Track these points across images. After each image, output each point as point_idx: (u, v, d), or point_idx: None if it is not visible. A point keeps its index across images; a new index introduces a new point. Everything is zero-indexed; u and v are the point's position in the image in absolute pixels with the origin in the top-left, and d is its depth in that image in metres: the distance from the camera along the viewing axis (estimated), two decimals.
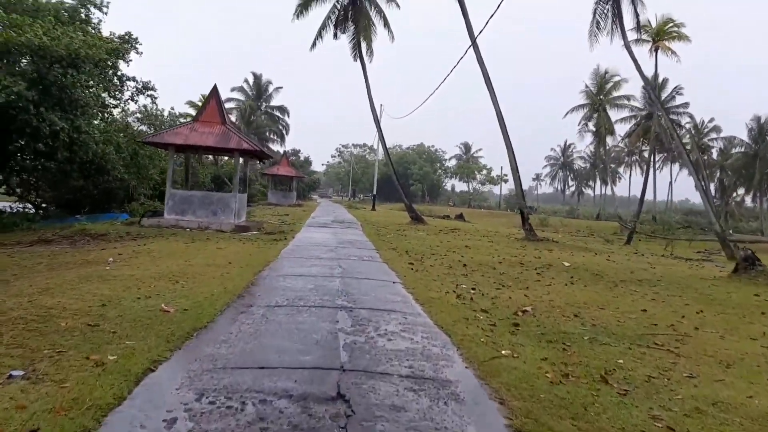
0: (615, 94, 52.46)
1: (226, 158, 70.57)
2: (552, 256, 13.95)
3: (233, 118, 74.24)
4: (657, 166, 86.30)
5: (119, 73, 24.97)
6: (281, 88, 78.26)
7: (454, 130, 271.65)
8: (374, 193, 47.42)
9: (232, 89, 76.35)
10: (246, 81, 77.03)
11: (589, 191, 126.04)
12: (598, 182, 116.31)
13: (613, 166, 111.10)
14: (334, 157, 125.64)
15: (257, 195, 50.61)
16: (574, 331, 6.58)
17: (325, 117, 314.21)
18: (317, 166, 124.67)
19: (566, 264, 12.33)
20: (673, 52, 27.81)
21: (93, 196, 25.26)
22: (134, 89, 25.23)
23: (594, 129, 52.29)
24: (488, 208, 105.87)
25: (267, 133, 76.94)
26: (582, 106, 52.93)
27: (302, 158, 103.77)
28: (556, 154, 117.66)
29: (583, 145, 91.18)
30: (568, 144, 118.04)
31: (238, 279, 8.49)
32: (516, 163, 19.43)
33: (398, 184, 28.28)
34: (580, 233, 39.53)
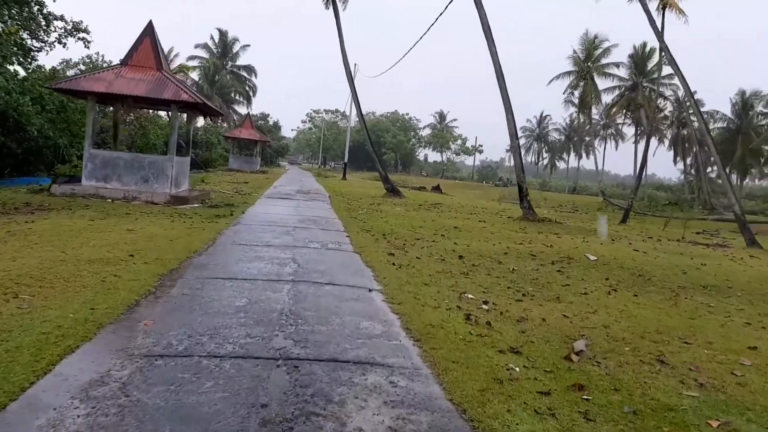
0: (604, 61, 49.80)
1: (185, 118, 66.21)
2: (565, 244, 11.23)
3: (195, 76, 69.21)
4: (636, 139, 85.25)
5: (45, 11, 20.99)
6: (248, 46, 73.55)
7: (429, 98, 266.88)
8: (345, 161, 44.14)
9: (196, 46, 71.21)
10: (211, 37, 71.85)
11: (561, 164, 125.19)
12: (572, 155, 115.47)
13: (588, 138, 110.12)
14: (305, 122, 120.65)
15: (218, 160, 46.72)
16: (681, 405, 3.78)
17: (296, 82, 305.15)
18: (287, 132, 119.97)
19: (591, 257, 9.59)
20: (682, 12, 25.20)
21: (15, 156, 21.45)
22: (62, 30, 21.28)
23: (579, 98, 49.63)
24: (461, 179, 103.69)
25: (232, 94, 72.28)
26: (568, 73, 50.18)
27: (271, 123, 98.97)
28: (531, 126, 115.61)
29: (566, 114, 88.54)
30: (544, 115, 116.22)
31: (125, 290, 5.39)
32: (516, 129, 16.56)
33: (373, 151, 25.19)
34: (564, 209, 37.28)
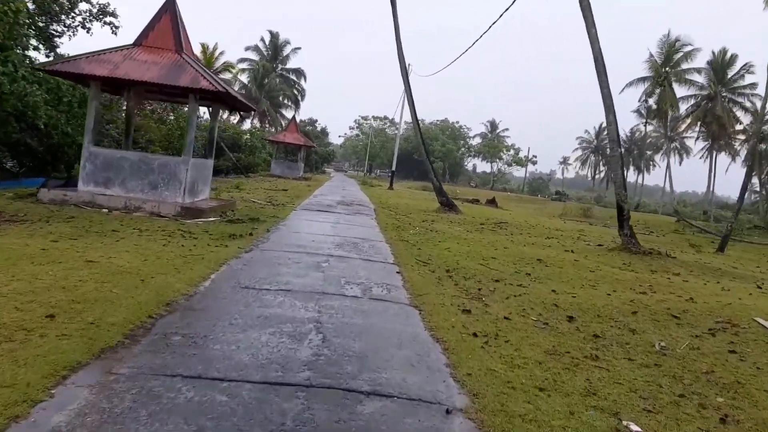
0: (684, 66, 45.09)
1: (232, 119, 64.84)
2: (703, 293, 7.92)
3: (245, 79, 68.27)
4: (702, 155, 79.01)
5: None
6: (299, 49, 71.93)
7: (480, 107, 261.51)
8: (393, 169, 41.28)
9: (246, 48, 70.30)
10: (262, 39, 70.89)
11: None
12: (631, 169, 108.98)
13: (649, 152, 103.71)
14: (353, 129, 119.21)
15: (261, 165, 44.79)
16: None
17: (347, 88, 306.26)
18: (335, 139, 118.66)
19: (764, 323, 6.31)
20: None
21: (35, 154, 19.66)
22: (87, 13, 19.31)
23: (654, 105, 44.95)
24: (510, 190, 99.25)
25: (280, 98, 70.86)
26: (643, 79, 45.65)
27: (318, 128, 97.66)
28: (589, 137, 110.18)
29: (634, 124, 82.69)
30: (602, 126, 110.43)
31: None
32: (618, 134, 13.23)
33: (427, 159, 22.16)
34: (636, 230, 33.17)
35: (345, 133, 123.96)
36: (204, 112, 37.91)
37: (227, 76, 39.56)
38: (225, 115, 39.93)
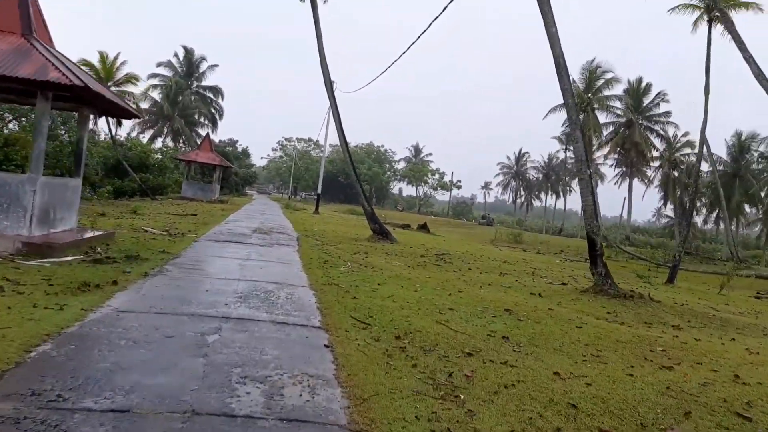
0: (606, 93, 45.93)
1: (140, 135, 59.44)
2: (744, 364, 5.92)
3: (156, 96, 63.43)
4: (617, 181, 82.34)
5: None
6: (216, 66, 67.80)
7: (402, 131, 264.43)
8: (318, 192, 38.46)
9: (158, 64, 65.28)
10: (175, 55, 66.33)
11: (537, 202, 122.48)
12: (549, 194, 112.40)
13: (566, 178, 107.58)
14: (276, 150, 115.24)
15: (172, 186, 40.58)
16: None
17: (268, 108, 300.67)
18: (257, 160, 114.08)
19: None
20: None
21: None
22: None
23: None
24: (435, 214, 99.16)
25: (196, 116, 66.41)
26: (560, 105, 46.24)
27: (240, 149, 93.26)
28: (510, 162, 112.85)
29: (553, 150, 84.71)
30: (522, 152, 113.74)
31: None
32: (586, 154, 11.46)
33: (357, 180, 19.67)
34: (566, 255, 32.37)
35: (268, 155, 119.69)
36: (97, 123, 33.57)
37: (131, 89, 35.63)
38: (97, 122, 35.63)
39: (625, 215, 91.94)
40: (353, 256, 13.20)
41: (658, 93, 53.15)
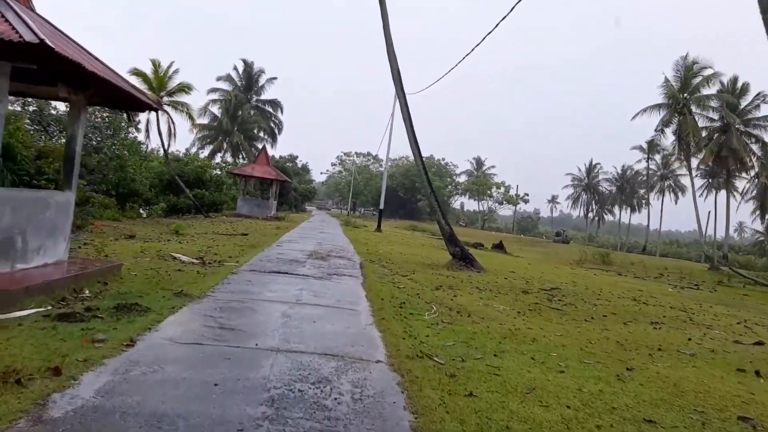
0: (704, 91, 40.44)
1: (199, 152, 58.44)
2: None
3: (216, 110, 62.86)
4: (700, 192, 75.03)
5: None
6: (275, 79, 66.64)
7: (464, 144, 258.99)
8: (381, 207, 35.29)
9: (218, 78, 64.81)
10: (235, 68, 65.70)
11: (608, 217, 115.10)
12: (620, 208, 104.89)
13: (642, 191, 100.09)
14: (335, 165, 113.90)
15: (229, 203, 38.72)
16: None
17: (329, 124, 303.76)
18: (317, 176, 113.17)
19: None
20: None
21: None
22: None
23: (673, 135, 39.95)
24: (498, 229, 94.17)
25: (255, 131, 65.32)
26: (658, 106, 40.95)
27: (299, 165, 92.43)
28: (580, 175, 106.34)
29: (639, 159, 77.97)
30: (593, 164, 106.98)
31: None
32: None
33: (431, 193, 16.26)
34: (670, 279, 27.57)
35: (327, 170, 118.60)
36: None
37: (185, 98, 34.12)
38: (149, 135, 34.01)
39: (710, 231, 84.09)
40: (436, 294, 9.84)
41: (758, 94, 46.87)
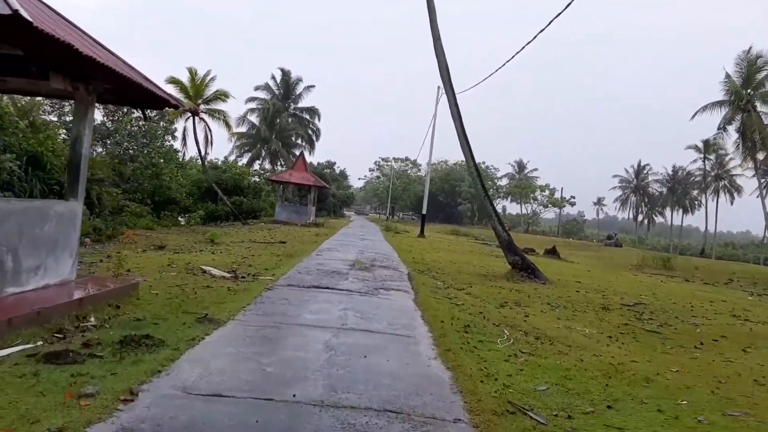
0: None
1: (238, 159, 58.15)
2: None
3: (254, 119, 62.85)
4: (758, 194, 70.70)
5: None
6: (313, 87, 66.23)
7: (504, 147, 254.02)
8: (424, 212, 33.78)
9: (256, 88, 64.83)
10: (273, 78, 65.64)
11: (659, 219, 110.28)
12: (671, 210, 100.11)
13: (695, 192, 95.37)
14: (373, 170, 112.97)
15: (267, 209, 38.04)
16: None
17: (365, 131, 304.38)
18: (354, 181, 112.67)
19: None
20: None
21: None
22: None
23: (738, 134, 36.94)
24: (543, 233, 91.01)
25: (293, 138, 64.97)
26: (720, 103, 38.01)
27: (338, 171, 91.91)
28: (628, 176, 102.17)
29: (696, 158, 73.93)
30: (642, 164, 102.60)
31: None
32: None
33: (486, 196, 14.70)
34: (744, 286, 25.08)
35: (365, 175, 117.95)
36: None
37: (221, 105, 33.61)
38: (186, 143, 33.30)
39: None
40: (502, 312, 8.38)
41: None
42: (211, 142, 35.01)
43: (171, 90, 31.98)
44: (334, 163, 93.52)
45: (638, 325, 8.15)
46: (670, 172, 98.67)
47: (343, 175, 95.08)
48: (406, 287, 10.46)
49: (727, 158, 69.48)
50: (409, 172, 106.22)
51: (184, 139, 36.20)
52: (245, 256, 13.10)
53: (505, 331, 6.89)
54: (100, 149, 24.31)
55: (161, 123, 29.73)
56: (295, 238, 21.15)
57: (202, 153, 32.96)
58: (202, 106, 32.84)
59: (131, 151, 23.87)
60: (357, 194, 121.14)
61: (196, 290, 7.92)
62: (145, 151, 24.30)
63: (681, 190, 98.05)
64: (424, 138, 67.08)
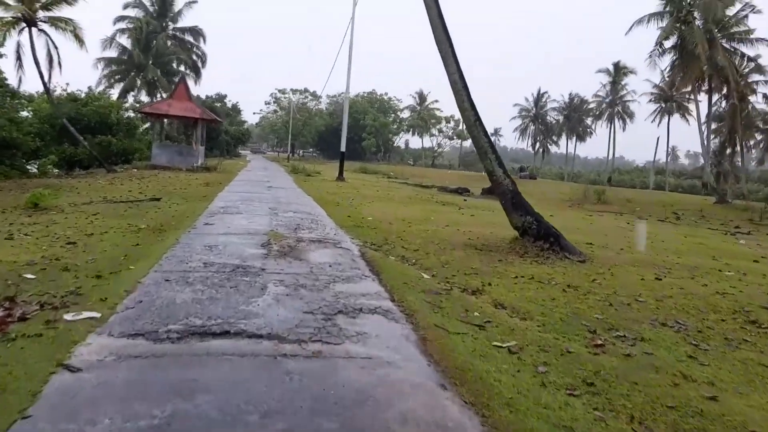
0: None
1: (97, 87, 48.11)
2: None
3: (125, 42, 52.38)
4: (654, 118, 72.46)
5: None
6: (195, 2, 56.01)
7: (403, 77, 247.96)
8: (343, 149, 27.66)
9: (125, 6, 53.53)
10: None
11: (554, 148, 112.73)
12: (567, 138, 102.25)
13: (590, 120, 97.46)
14: (269, 104, 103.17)
15: (144, 150, 30.63)
16: None
17: (259, 58, 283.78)
18: (249, 117, 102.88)
19: None
20: None
21: None
22: None
23: (673, 49, 34.38)
24: (450, 167, 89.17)
25: (174, 64, 55.38)
26: (658, 14, 35.19)
27: (229, 105, 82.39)
28: (528, 105, 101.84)
29: (655, 76, 72.39)
30: (541, 93, 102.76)
31: None
32: None
33: (483, 135, 9.52)
34: (689, 217, 22.96)
35: (261, 110, 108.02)
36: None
37: (68, 11, 25.07)
38: (22, 64, 24.62)
39: (667, 157, 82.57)
40: (642, 379, 3.75)
41: (745, 4, 42.24)
42: (59, 64, 26.62)
43: None
44: (225, 96, 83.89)
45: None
46: (567, 100, 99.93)
47: (236, 109, 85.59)
48: (379, 295, 5.51)
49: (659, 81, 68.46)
50: (309, 104, 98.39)
51: (19, 60, 27.27)
52: (74, 240, 7.35)
53: None
54: None
55: None
56: (176, 192, 15.20)
57: (45, 78, 24.72)
58: (40, 13, 24.31)
59: None
60: (253, 131, 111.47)
61: None
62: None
63: (576, 117, 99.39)
64: (331, 68, 60.26)
